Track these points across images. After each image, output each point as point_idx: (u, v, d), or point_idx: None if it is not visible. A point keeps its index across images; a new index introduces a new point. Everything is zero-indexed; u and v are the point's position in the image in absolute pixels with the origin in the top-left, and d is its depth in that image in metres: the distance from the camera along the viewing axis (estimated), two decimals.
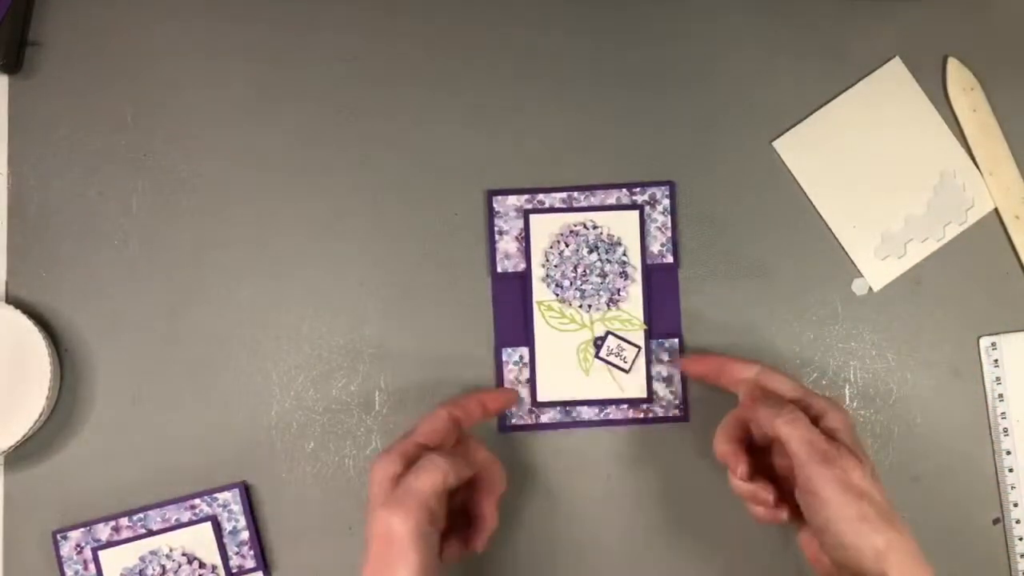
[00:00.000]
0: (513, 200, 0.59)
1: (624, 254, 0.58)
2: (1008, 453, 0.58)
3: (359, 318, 0.60)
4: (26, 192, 0.61)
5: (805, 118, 0.60)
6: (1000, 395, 0.59)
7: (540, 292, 0.58)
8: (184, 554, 0.58)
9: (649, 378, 0.58)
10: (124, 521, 0.58)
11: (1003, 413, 0.58)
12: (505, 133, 0.60)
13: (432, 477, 0.46)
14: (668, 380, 0.58)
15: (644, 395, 0.58)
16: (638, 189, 0.59)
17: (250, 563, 0.58)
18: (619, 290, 0.58)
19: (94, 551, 0.58)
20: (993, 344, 0.59)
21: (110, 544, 0.58)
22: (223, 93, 0.61)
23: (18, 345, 0.57)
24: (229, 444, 0.59)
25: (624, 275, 0.58)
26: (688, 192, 0.60)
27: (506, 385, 0.58)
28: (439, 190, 0.60)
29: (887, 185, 0.60)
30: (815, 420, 0.48)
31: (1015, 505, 0.58)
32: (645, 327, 0.58)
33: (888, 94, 0.60)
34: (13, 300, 0.60)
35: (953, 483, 0.58)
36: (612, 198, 0.59)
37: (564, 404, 0.58)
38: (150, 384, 0.60)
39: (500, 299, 0.59)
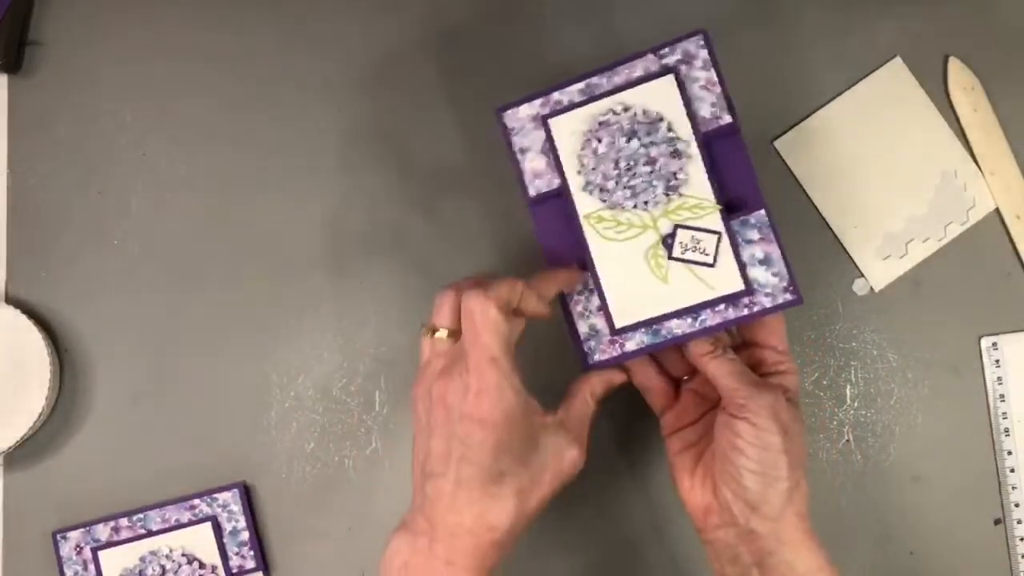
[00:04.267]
0: (526, 110, 0.50)
1: (669, 129, 0.49)
2: (1009, 453, 0.58)
3: (359, 318, 0.60)
4: (26, 192, 0.61)
5: (805, 118, 0.60)
6: (1001, 395, 0.59)
7: (585, 204, 0.49)
8: (184, 554, 0.58)
9: (742, 265, 0.48)
10: (124, 521, 0.58)
11: (1004, 413, 0.58)
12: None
13: (506, 287, 0.44)
14: (766, 261, 0.48)
15: (741, 287, 0.48)
16: (666, 50, 0.50)
17: (250, 563, 0.58)
18: (675, 173, 0.49)
19: (94, 551, 0.58)
20: (994, 344, 0.59)
21: (110, 544, 0.58)
22: (223, 93, 0.61)
23: (18, 345, 0.57)
24: (229, 444, 0.59)
25: (676, 154, 0.48)
26: None
27: (577, 319, 0.49)
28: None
29: (888, 185, 0.60)
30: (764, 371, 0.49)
31: (1016, 505, 0.58)
32: (720, 207, 0.48)
33: (889, 94, 0.60)
34: (13, 300, 0.60)
35: (953, 483, 0.58)
36: (638, 70, 0.50)
37: (648, 324, 0.49)
38: (150, 384, 0.60)
39: (544, 226, 0.50)
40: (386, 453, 0.59)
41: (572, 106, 0.50)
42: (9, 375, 0.57)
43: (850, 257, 0.60)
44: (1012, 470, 0.58)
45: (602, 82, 0.50)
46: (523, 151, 0.50)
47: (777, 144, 0.60)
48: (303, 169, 0.61)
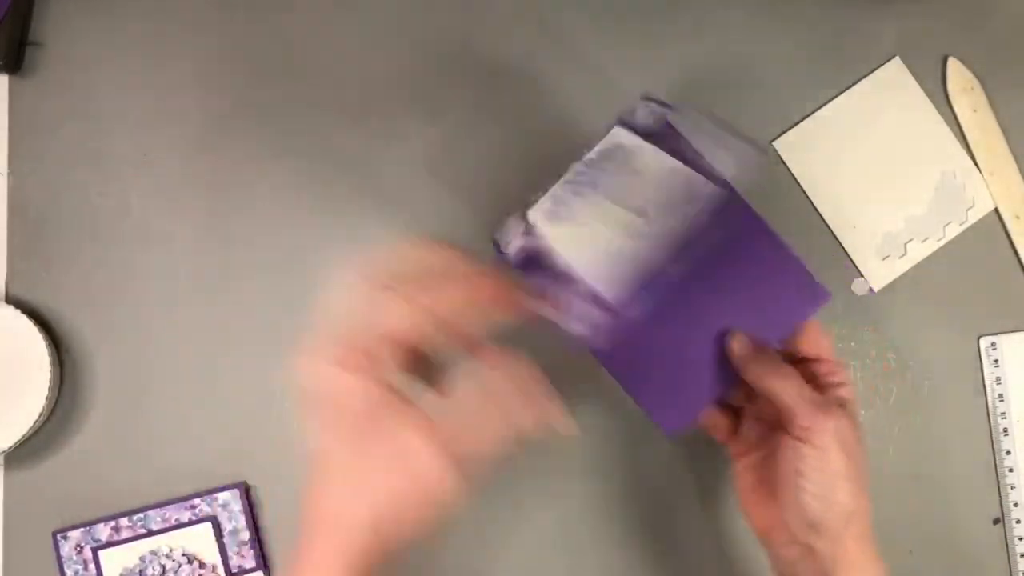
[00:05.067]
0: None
1: None
2: (1008, 453, 0.58)
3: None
4: (26, 192, 0.61)
5: (805, 118, 0.60)
6: (1000, 395, 0.59)
7: None
8: (184, 554, 0.58)
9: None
10: (124, 521, 0.58)
11: (1003, 413, 0.58)
12: None
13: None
14: None
15: None
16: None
17: (250, 563, 0.58)
18: None
19: (94, 551, 0.58)
20: (993, 344, 0.59)
21: (110, 544, 0.58)
22: (223, 93, 0.61)
23: (18, 345, 0.57)
24: (229, 444, 0.59)
25: None
26: None
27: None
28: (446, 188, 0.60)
29: (887, 185, 0.60)
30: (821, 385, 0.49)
31: (1015, 505, 0.58)
32: None
33: (888, 94, 0.60)
34: (13, 300, 0.60)
35: (953, 483, 0.58)
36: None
37: None
38: (150, 383, 0.60)
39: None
40: None
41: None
42: (9, 375, 0.57)
43: (849, 257, 0.60)
44: (1011, 470, 0.58)
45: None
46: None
47: (777, 144, 0.60)
48: (304, 169, 0.61)
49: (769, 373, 0.47)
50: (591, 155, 0.48)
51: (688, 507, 0.58)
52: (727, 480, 0.58)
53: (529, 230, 0.47)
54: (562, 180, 0.47)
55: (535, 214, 0.47)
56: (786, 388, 0.46)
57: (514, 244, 0.47)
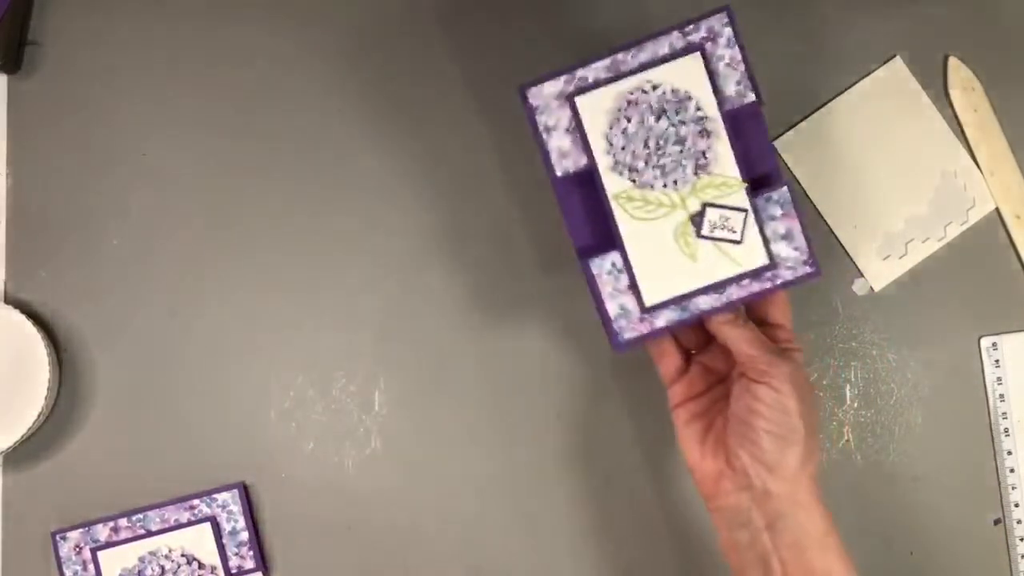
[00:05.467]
0: (550, 87, 0.49)
1: (698, 108, 0.49)
2: (1009, 453, 0.58)
3: (359, 318, 0.60)
4: (26, 192, 0.61)
5: (805, 118, 0.60)
6: (1001, 395, 0.58)
7: (614, 184, 0.49)
8: (183, 555, 0.58)
9: (766, 241, 0.49)
10: (123, 522, 0.58)
11: (1004, 413, 0.58)
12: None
13: None
14: (788, 236, 0.49)
15: (766, 261, 0.49)
16: (690, 27, 0.49)
17: (249, 563, 0.58)
18: (703, 152, 0.49)
19: (93, 552, 0.58)
20: (994, 344, 0.59)
21: (109, 545, 0.58)
22: (222, 93, 0.61)
23: (18, 345, 0.57)
24: (229, 444, 0.59)
25: (704, 133, 0.49)
26: None
27: (606, 299, 0.49)
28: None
29: (888, 185, 0.60)
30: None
31: (1016, 505, 0.58)
32: (746, 184, 0.49)
33: (888, 94, 0.60)
34: (13, 300, 0.60)
35: (953, 483, 0.58)
36: (664, 47, 0.49)
37: (677, 301, 0.49)
38: (150, 384, 0.60)
39: (570, 206, 0.50)
40: (385, 453, 0.59)
41: (598, 84, 0.49)
42: (9, 375, 0.57)
43: (850, 257, 0.60)
44: (1012, 470, 0.58)
45: (627, 59, 0.49)
46: (548, 130, 0.50)
47: (777, 144, 0.60)
48: (303, 169, 0.61)
49: (731, 322, 0.49)
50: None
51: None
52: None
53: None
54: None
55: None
56: (745, 335, 0.48)
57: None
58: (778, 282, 0.49)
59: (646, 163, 0.49)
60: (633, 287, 0.49)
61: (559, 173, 0.50)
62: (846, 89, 0.60)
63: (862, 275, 0.60)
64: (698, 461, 0.49)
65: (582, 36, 0.61)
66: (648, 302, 0.49)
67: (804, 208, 0.59)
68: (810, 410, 0.47)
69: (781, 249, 0.49)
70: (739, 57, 0.49)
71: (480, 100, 0.60)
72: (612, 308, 0.49)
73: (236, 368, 0.60)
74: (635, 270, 0.49)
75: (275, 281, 0.60)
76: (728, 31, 0.49)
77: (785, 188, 0.49)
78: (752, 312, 0.52)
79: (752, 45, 0.60)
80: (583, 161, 0.49)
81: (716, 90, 0.49)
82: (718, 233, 0.49)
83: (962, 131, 0.60)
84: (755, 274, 0.49)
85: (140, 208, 0.61)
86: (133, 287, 0.60)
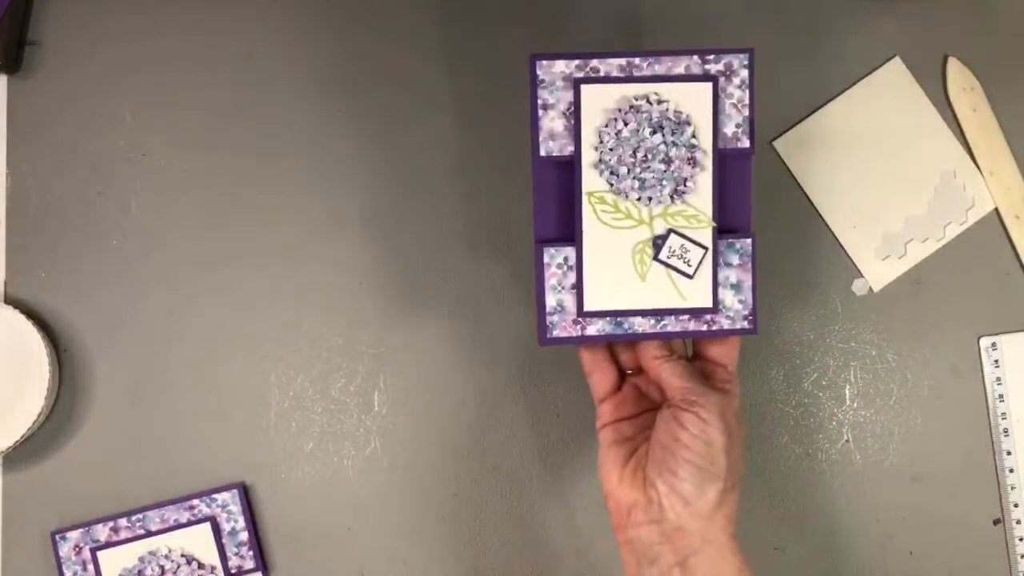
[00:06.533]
0: (561, 66, 0.49)
1: (693, 135, 0.49)
2: (1008, 453, 0.58)
3: (359, 318, 0.60)
4: (26, 192, 0.61)
5: (805, 118, 0.60)
6: (1000, 395, 0.59)
7: (591, 181, 0.49)
8: (183, 555, 0.58)
9: (715, 285, 0.49)
10: (123, 522, 0.58)
11: (1003, 413, 0.58)
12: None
13: None
14: (738, 287, 0.49)
15: (709, 304, 0.49)
16: (711, 57, 0.49)
17: (249, 564, 0.58)
18: (685, 180, 0.48)
19: (93, 552, 0.58)
20: (993, 344, 0.59)
21: (109, 545, 0.58)
22: (223, 93, 0.61)
23: (17, 345, 0.57)
24: (228, 444, 0.59)
25: (692, 161, 0.48)
26: None
27: (548, 291, 0.49)
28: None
29: (887, 185, 0.60)
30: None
31: (1015, 505, 0.58)
32: (714, 224, 0.49)
33: (888, 94, 0.60)
34: (12, 300, 0.60)
35: (953, 483, 0.58)
36: (680, 66, 0.49)
37: (615, 315, 0.49)
38: (150, 384, 0.60)
39: (542, 188, 0.50)
40: (385, 454, 0.59)
41: (608, 79, 0.49)
42: (9, 375, 0.57)
43: (849, 257, 0.60)
44: (1011, 470, 0.58)
45: (643, 66, 0.49)
46: (545, 107, 0.49)
47: (776, 144, 0.60)
48: (303, 169, 0.61)
49: (663, 357, 0.48)
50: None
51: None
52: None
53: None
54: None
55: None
56: (676, 369, 0.47)
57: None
58: (714, 327, 0.49)
59: (628, 171, 0.48)
60: (577, 288, 0.49)
61: (542, 152, 0.49)
62: (846, 89, 0.60)
63: (861, 275, 0.60)
64: (615, 487, 0.47)
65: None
66: (587, 307, 0.49)
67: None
68: (736, 448, 0.46)
69: (727, 297, 0.49)
70: (747, 101, 0.49)
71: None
72: (550, 301, 0.49)
73: (236, 368, 0.60)
74: (584, 271, 0.49)
75: (275, 281, 0.60)
76: (745, 72, 0.49)
77: (750, 241, 0.49)
78: (697, 343, 0.51)
79: (752, 45, 0.61)
80: (569, 149, 0.49)
81: (716, 125, 0.49)
82: (674, 261, 0.49)
83: (961, 131, 0.60)
84: (695, 313, 0.49)
85: (140, 208, 0.61)
86: (133, 287, 0.60)
